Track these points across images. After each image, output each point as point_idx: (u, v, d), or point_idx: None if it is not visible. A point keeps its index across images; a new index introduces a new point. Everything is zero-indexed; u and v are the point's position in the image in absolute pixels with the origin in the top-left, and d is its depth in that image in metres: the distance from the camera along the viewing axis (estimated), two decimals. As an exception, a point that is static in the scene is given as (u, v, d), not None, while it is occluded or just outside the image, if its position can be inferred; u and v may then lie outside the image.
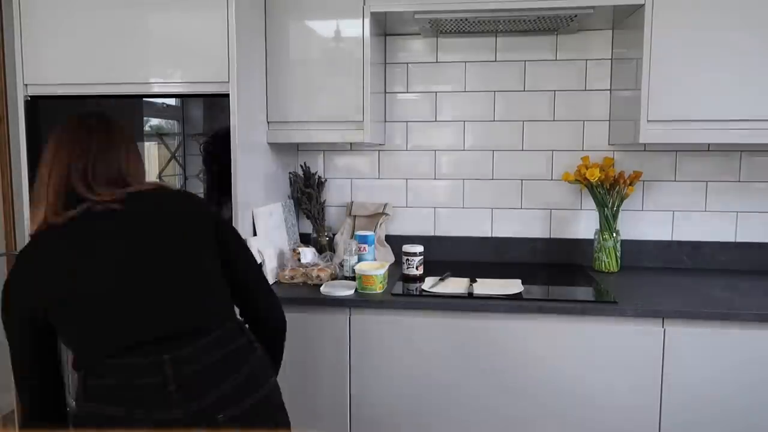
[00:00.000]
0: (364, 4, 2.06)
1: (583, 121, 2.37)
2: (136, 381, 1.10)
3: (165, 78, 1.89)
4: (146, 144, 1.91)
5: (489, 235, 2.46)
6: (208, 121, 1.90)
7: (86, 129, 1.25)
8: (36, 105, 1.94)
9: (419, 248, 2.08)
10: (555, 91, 2.37)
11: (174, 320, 1.15)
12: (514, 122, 2.40)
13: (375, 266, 1.99)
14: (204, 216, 1.28)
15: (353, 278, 2.06)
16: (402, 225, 2.51)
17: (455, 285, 2.00)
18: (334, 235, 2.44)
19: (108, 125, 1.28)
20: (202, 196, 1.91)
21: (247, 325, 1.34)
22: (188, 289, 1.19)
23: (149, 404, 1.09)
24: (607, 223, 2.25)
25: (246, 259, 1.35)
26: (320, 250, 2.34)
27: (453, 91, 2.42)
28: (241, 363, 1.19)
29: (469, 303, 1.85)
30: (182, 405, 1.10)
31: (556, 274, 2.23)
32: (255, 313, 1.38)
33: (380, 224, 2.40)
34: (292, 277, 2.05)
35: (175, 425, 1.09)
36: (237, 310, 1.35)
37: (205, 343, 1.16)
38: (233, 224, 1.89)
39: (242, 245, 1.36)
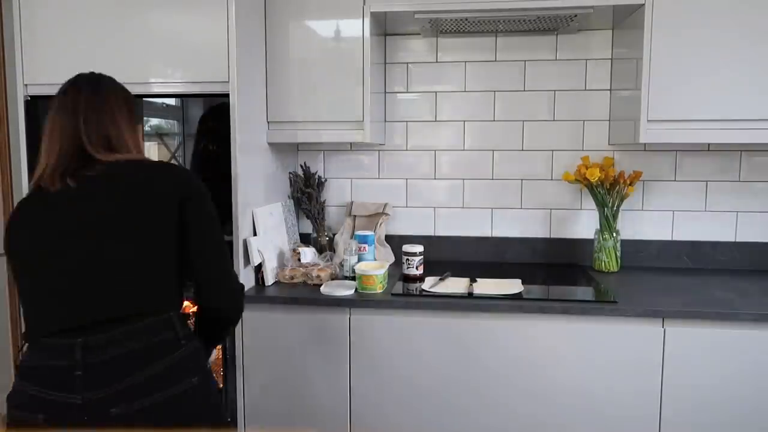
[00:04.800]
0: (364, 4, 2.06)
1: (583, 121, 2.37)
2: (51, 362, 1.14)
3: (165, 78, 1.89)
4: (146, 144, 1.91)
5: (489, 235, 2.46)
6: (208, 121, 1.90)
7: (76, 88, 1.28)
8: (36, 105, 1.94)
9: (419, 248, 2.08)
10: (555, 91, 2.37)
11: (93, 307, 1.16)
12: (513, 122, 2.40)
13: (375, 266, 1.99)
14: (169, 196, 1.23)
15: (353, 278, 2.06)
16: (402, 225, 2.51)
17: (455, 285, 2.00)
18: (334, 235, 2.44)
19: (98, 84, 1.30)
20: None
21: (192, 317, 1.33)
22: (115, 275, 1.18)
23: (58, 386, 1.12)
24: (607, 223, 2.25)
25: (200, 243, 1.26)
26: (320, 250, 2.34)
27: (453, 91, 2.42)
28: (156, 358, 1.16)
29: (469, 303, 1.85)
30: (83, 391, 1.11)
31: (556, 274, 2.24)
32: (205, 302, 1.31)
33: (380, 224, 2.40)
34: (292, 277, 2.05)
35: (72, 409, 1.11)
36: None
37: (119, 332, 1.15)
38: (233, 224, 1.89)
39: (204, 229, 1.27)
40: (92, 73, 1.32)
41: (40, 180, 1.23)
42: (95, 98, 1.27)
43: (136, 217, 1.20)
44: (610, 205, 2.24)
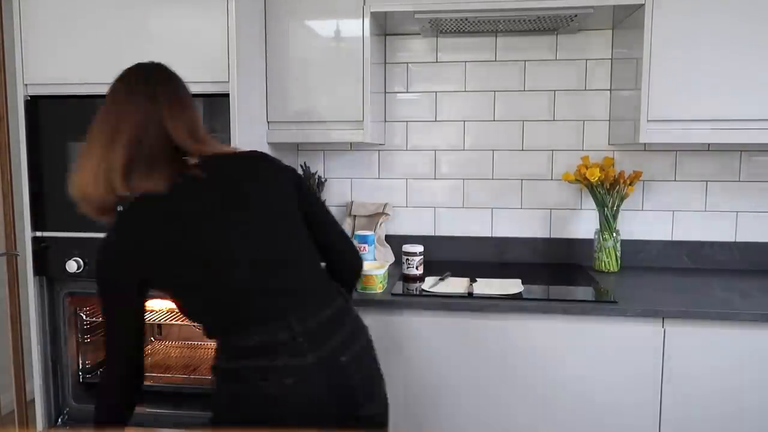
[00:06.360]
0: (364, 4, 2.06)
1: (583, 121, 2.37)
2: (272, 338, 1.20)
3: (165, 78, 1.88)
4: (146, 144, 1.91)
5: (489, 235, 2.46)
6: (208, 121, 1.90)
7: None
8: (36, 105, 1.94)
9: (419, 248, 2.08)
10: (555, 91, 2.37)
11: (291, 284, 1.25)
12: (513, 122, 2.40)
13: (375, 266, 1.99)
14: (290, 182, 1.33)
15: (353, 278, 2.06)
16: (402, 225, 2.51)
17: (455, 285, 2.00)
18: (334, 235, 2.44)
19: (167, 72, 1.35)
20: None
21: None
22: (294, 257, 1.28)
23: (287, 354, 1.20)
24: (607, 223, 2.25)
25: (327, 216, 1.43)
26: (320, 250, 2.34)
27: (453, 91, 2.42)
28: (346, 318, 1.31)
29: (469, 303, 1.85)
30: (309, 353, 1.21)
31: (556, 274, 2.24)
32: (348, 265, 1.47)
33: (380, 224, 2.40)
34: (292, 277, 2.05)
35: (310, 369, 1.20)
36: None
37: (316, 302, 1.27)
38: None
39: (321, 205, 1.43)
40: (152, 63, 1.35)
41: (129, 184, 1.19)
42: (170, 87, 1.29)
43: (282, 204, 1.29)
44: (610, 205, 2.24)
